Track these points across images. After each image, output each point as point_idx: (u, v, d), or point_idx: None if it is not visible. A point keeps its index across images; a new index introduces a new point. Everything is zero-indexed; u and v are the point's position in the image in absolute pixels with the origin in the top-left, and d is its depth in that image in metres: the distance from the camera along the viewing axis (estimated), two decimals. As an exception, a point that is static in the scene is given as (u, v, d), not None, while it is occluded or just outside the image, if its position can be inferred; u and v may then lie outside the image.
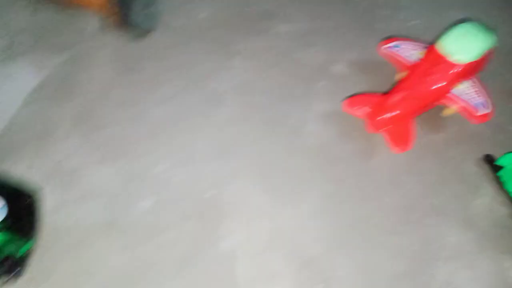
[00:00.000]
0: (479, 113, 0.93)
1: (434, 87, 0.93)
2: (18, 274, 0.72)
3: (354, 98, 0.98)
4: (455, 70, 0.92)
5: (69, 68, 1.05)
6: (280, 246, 0.84)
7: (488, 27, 0.97)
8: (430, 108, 0.98)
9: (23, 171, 0.88)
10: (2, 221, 0.68)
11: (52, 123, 0.95)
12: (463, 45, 0.91)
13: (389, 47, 1.06)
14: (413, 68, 0.98)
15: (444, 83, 0.93)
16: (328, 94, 1.06)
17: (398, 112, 0.92)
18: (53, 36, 1.09)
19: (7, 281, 0.71)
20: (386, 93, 0.97)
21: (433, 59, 0.94)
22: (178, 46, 1.13)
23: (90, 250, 0.81)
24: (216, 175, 0.92)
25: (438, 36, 0.96)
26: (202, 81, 1.07)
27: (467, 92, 0.95)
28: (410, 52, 1.03)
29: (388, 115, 0.92)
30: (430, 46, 0.98)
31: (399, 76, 1.02)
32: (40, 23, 1.09)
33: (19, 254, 0.72)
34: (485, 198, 0.90)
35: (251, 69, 1.11)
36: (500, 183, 0.91)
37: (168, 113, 1.00)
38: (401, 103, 0.91)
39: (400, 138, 0.92)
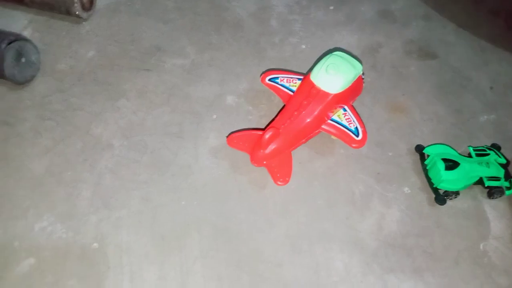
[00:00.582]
0: (356, 139, 0.95)
1: (308, 120, 0.96)
2: None
3: (234, 134, 0.99)
4: (327, 100, 0.94)
5: None
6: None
7: (354, 56, 1.02)
8: (311, 138, 0.99)
9: None
10: None
11: None
12: (329, 77, 0.94)
13: (270, 79, 1.07)
14: (289, 100, 1.00)
15: (317, 113, 0.95)
16: (220, 127, 1.07)
17: (274, 146, 0.92)
18: None
19: None
20: (264, 128, 0.98)
21: (306, 90, 0.97)
22: (61, 92, 1.11)
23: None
24: (99, 227, 0.89)
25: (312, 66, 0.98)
26: (86, 126, 1.04)
27: (342, 120, 0.97)
28: (289, 83, 1.05)
29: (266, 150, 0.92)
30: (304, 77, 1.01)
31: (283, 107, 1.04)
32: None
33: None
34: (373, 217, 0.93)
35: (139, 109, 1.09)
36: (425, 170, 0.98)
37: (48, 165, 0.96)
38: (276, 137, 0.93)
39: (280, 171, 0.95)
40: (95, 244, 0.87)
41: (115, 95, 1.10)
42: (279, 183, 0.94)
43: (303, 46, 1.26)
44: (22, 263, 0.83)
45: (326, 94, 0.95)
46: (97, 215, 0.91)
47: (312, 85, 0.96)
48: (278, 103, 1.10)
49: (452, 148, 1.00)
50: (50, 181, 0.95)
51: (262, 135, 0.92)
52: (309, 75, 0.99)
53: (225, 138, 1.01)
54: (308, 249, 0.89)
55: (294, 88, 1.04)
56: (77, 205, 0.92)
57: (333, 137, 1.00)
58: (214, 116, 1.09)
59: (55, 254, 0.86)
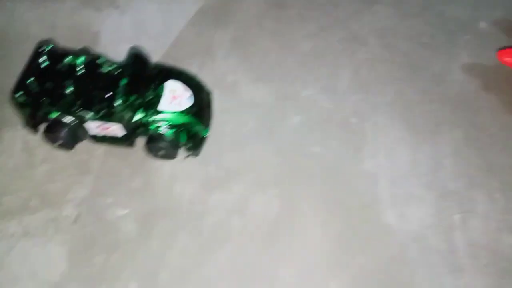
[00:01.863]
0: None
1: None
2: (196, 153, 0.83)
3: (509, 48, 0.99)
4: None
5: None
6: (420, 174, 0.88)
7: None
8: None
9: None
10: (190, 106, 0.78)
11: (213, 44, 1.04)
12: None
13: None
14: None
15: None
16: (473, 48, 1.07)
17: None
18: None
19: (188, 156, 0.83)
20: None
21: None
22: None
23: (247, 149, 0.92)
24: (357, 106, 0.97)
25: None
26: (345, 22, 1.12)
27: None
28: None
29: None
30: None
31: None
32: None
33: (200, 136, 0.82)
34: None
35: (393, 16, 1.14)
36: None
37: (313, 47, 1.06)
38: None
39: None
40: (353, 119, 0.95)
41: (371, 1, 1.15)
42: None
43: None
44: (293, 118, 0.94)
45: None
46: (355, 96, 0.98)
47: None
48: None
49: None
50: (314, 60, 1.04)
51: None
52: None
53: (480, 58, 1.04)
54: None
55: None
56: (338, 84, 1.00)
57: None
58: (467, 37, 1.10)
59: (319, 117, 0.95)
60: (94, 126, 0.80)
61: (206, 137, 0.85)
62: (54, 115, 0.78)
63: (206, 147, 0.87)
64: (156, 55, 0.98)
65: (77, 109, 0.77)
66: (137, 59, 0.80)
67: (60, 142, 0.83)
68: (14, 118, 0.89)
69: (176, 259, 0.77)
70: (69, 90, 0.76)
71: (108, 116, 0.77)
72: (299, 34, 1.09)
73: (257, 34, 1.07)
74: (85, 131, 0.82)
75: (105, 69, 0.81)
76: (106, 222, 0.80)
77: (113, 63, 0.82)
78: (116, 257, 0.77)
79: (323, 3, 1.14)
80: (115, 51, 0.97)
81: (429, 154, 0.91)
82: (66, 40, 0.96)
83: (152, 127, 0.79)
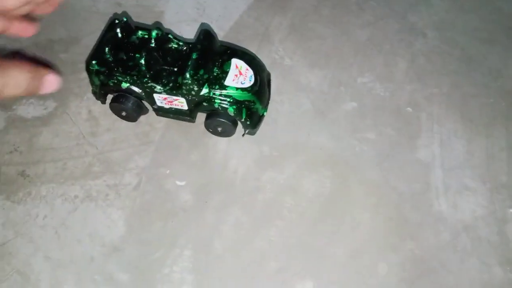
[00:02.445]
0: None
1: None
2: (254, 132, 0.86)
3: None
4: None
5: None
6: (474, 166, 0.88)
7: None
8: None
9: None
10: (253, 84, 0.81)
11: (271, 29, 1.07)
12: None
13: None
14: None
15: None
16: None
17: None
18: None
19: (245, 133, 0.86)
20: None
21: None
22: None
23: (301, 131, 0.94)
24: (413, 96, 0.97)
25: None
26: (402, 13, 1.12)
27: None
28: None
29: None
30: None
31: None
32: None
33: (259, 115, 0.85)
34: None
35: (451, 10, 1.14)
36: None
37: (370, 36, 1.07)
38: None
39: None
40: (408, 108, 0.95)
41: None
42: None
43: None
44: (347, 104, 0.95)
45: None
46: (411, 85, 0.99)
47: None
48: None
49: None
50: (371, 48, 1.05)
51: None
52: None
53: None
54: None
55: None
56: (394, 73, 1.01)
57: None
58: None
59: (374, 104, 0.96)
60: (160, 99, 0.83)
61: (263, 116, 0.87)
62: (125, 85, 0.81)
63: (262, 127, 0.89)
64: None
65: (147, 81, 0.80)
66: (206, 36, 0.82)
67: (125, 112, 0.87)
68: (80, 89, 0.94)
69: (229, 230, 0.80)
70: (141, 61, 0.78)
71: (176, 89, 0.80)
72: (356, 22, 1.10)
73: (314, 21, 1.09)
74: (152, 102, 0.85)
75: (176, 44, 0.85)
76: (164, 191, 0.83)
77: (183, 40, 0.85)
78: (173, 225, 0.80)
79: (381, -6, 1.15)
80: (177, 31, 1.01)
81: (484, 146, 0.91)
82: (131, 18, 1.01)
83: (216, 102, 0.81)
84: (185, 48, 0.85)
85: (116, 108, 0.89)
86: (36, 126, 0.81)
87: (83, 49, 0.99)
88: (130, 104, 0.86)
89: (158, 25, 0.87)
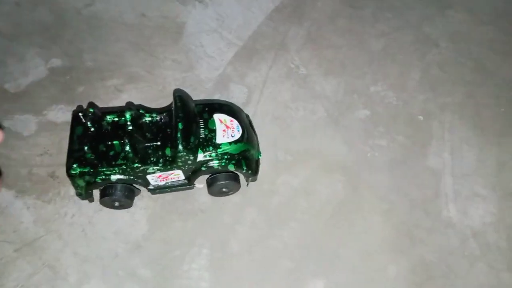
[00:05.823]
0: None
1: None
2: (255, 178, 0.87)
3: None
4: None
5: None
6: (485, 174, 0.91)
7: None
8: None
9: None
10: (242, 133, 0.83)
11: (288, 39, 1.11)
12: None
13: None
14: None
15: None
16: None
17: None
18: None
19: (249, 183, 0.87)
20: None
21: None
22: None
23: (315, 137, 0.98)
24: (425, 105, 1.00)
25: None
26: (417, 24, 1.16)
27: None
28: None
29: None
30: None
31: None
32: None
33: (256, 159, 0.87)
34: None
35: (466, 22, 1.16)
36: None
37: (384, 46, 1.10)
38: None
39: None
40: (420, 117, 0.98)
41: (444, 4, 1.18)
42: None
43: None
44: (361, 112, 0.99)
45: None
46: (424, 95, 1.02)
47: None
48: None
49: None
50: (385, 57, 1.08)
51: None
52: None
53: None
54: None
55: None
56: (407, 82, 1.04)
57: None
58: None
59: (387, 112, 0.99)
60: (154, 177, 0.80)
61: (259, 159, 0.87)
62: (114, 177, 0.77)
63: (277, 132, 0.93)
64: (235, 47, 1.07)
65: (138, 166, 0.76)
66: (182, 101, 0.77)
67: (118, 202, 0.83)
68: (107, 96, 1.00)
69: (245, 231, 0.85)
70: (126, 148, 0.73)
71: (170, 163, 0.76)
72: (371, 33, 1.14)
73: (330, 31, 1.13)
74: (146, 184, 0.82)
75: (149, 117, 0.80)
76: (185, 193, 0.88)
77: (154, 111, 0.81)
78: (192, 225, 0.85)
79: (396, 5, 1.18)
80: (197, 41, 1.06)
81: (494, 155, 0.94)
82: (154, 28, 1.08)
83: (214, 163, 0.79)
84: (159, 118, 0.81)
85: (107, 202, 0.83)
86: (65, 130, 0.86)
87: (110, 57, 1.04)
88: (121, 193, 0.80)
89: (129, 105, 0.80)
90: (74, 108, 0.91)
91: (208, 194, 0.87)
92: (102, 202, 0.82)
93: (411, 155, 0.92)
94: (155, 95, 0.98)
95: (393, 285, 0.79)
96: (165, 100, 0.95)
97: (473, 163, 0.92)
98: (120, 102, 0.96)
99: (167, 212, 0.86)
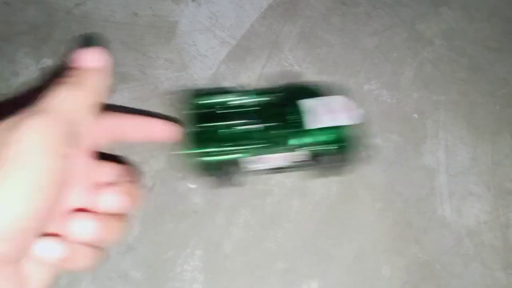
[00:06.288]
0: None
1: None
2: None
3: None
4: None
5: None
6: (479, 172, 0.91)
7: None
8: None
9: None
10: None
11: (281, 37, 1.10)
12: None
13: None
14: None
15: None
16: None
17: None
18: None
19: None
20: None
21: None
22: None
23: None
24: (419, 103, 1.00)
25: None
26: (411, 22, 1.15)
27: None
28: None
29: None
30: None
31: None
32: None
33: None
34: None
35: (460, 19, 1.16)
36: None
37: (378, 44, 1.10)
38: None
39: None
40: (415, 115, 0.98)
41: (437, 2, 1.17)
42: None
43: None
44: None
45: None
46: (418, 93, 1.01)
47: None
48: None
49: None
50: (378, 55, 1.07)
51: None
52: None
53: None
54: None
55: None
56: (400, 81, 1.03)
57: None
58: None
59: (380, 111, 0.99)
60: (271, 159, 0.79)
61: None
62: (244, 156, 0.76)
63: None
64: (228, 46, 1.06)
65: (266, 145, 0.75)
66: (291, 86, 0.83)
67: (232, 180, 0.84)
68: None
69: (238, 232, 0.84)
70: (253, 128, 0.75)
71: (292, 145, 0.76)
72: (364, 31, 1.13)
73: (323, 29, 1.12)
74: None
75: (261, 100, 0.81)
76: (177, 194, 0.87)
77: (273, 91, 0.83)
78: (185, 226, 0.84)
79: (390, 3, 1.18)
80: (190, 39, 1.05)
81: (489, 153, 0.93)
82: (146, 27, 1.07)
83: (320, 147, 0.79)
84: (276, 98, 0.83)
85: (224, 181, 0.84)
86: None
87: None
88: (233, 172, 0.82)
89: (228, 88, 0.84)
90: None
91: (201, 194, 0.87)
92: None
93: (405, 154, 0.92)
94: (148, 95, 0.97)
95: (387, 285, 0.79)
96: (158, 99, 0.94)
97: (468, 161, 0.91)
98: (112, 102, 0.94)
99: (159, 213, 0.85)
